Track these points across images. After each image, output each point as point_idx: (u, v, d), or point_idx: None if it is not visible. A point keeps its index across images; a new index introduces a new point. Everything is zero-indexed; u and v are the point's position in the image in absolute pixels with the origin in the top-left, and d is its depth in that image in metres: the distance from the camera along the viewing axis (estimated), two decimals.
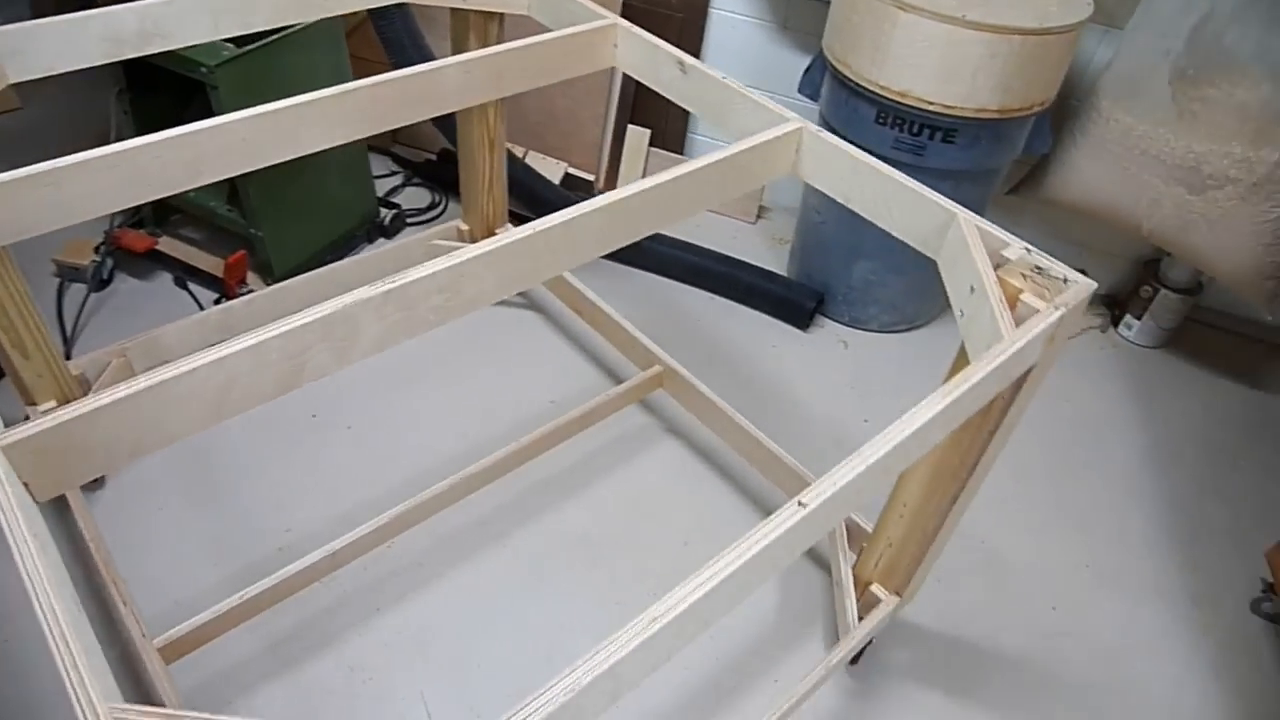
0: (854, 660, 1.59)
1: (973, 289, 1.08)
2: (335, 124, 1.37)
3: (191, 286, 2.22)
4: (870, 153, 1.97)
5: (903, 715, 1.56)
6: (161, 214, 2.32)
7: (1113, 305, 2.50)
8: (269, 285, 2.07)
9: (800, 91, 2.17)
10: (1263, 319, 2.34)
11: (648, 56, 1.58)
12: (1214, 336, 2.47)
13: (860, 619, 1.47)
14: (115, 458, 0.85)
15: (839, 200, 1.34)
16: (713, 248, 2.42)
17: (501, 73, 1.53)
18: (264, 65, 1.94)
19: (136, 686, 1.40)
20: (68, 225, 1.17)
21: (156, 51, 1.45)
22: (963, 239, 1.13)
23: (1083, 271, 2.59)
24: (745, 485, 1.92)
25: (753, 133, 1.31)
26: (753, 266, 2.38)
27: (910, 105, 1.85)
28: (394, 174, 2.69)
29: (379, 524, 1.59)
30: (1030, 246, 1.12)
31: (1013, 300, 1.06)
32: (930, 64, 1.79)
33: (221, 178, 1.29)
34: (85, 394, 1.51)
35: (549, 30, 1.59)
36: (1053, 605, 1.76)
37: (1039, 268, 1.09)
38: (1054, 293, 1.05)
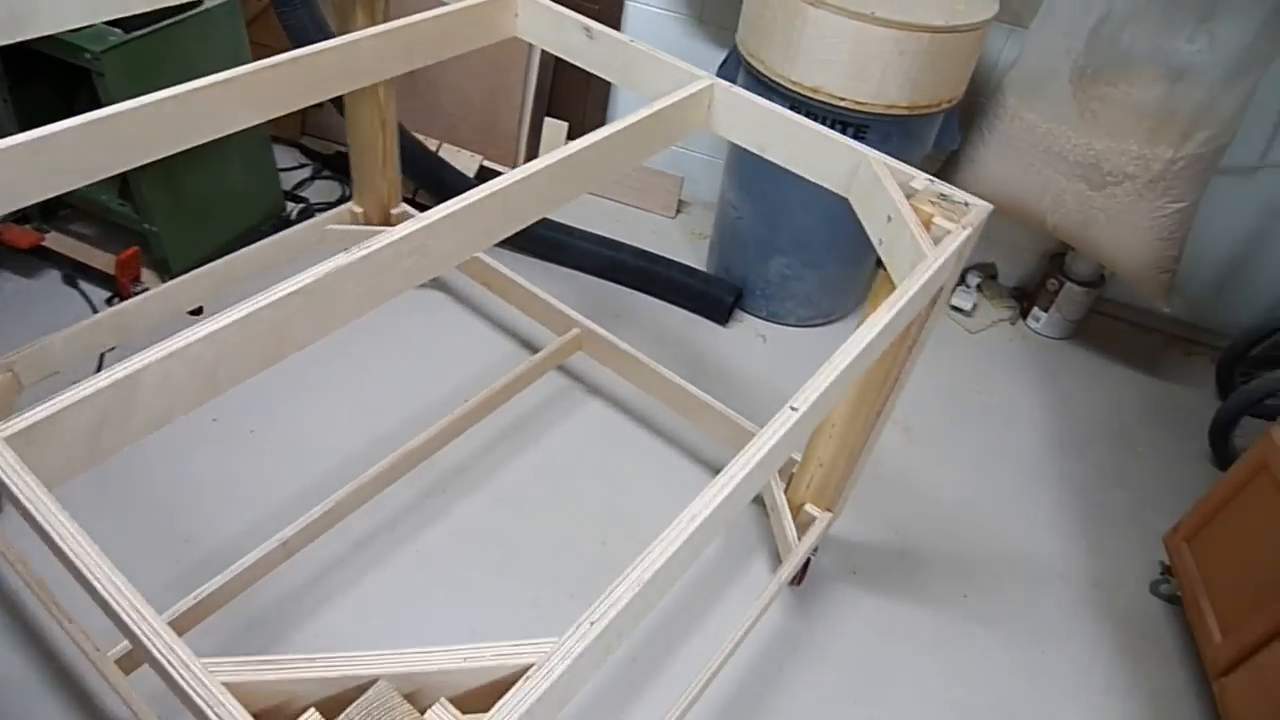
0: (797, 580, 1.72)
1: (890, 218, 1.20)
2: (226, 111, 1.31)
3: (82, 285, 2.10)
4: None
5: (845, 622, 1.70)
6: (49, 208, 2.19)
7: (1022, 298, 2.57)
8: (165, 283, 1.98)
9: None
10: (1159, 310, 2.43)
11: (552, 24, 1.57)
12: (1116, 327, 2.56)
13: (799, 537, 1.58)
14: (114, 442, 0.83)
15: (754, 150, 1.41)
16: (633, 243, 2.41)
17: (398, 48, 1.49)
18: (155, 51, 1.85)
19: (86, 703, 1.36)
20: None
21: (30, 38, 1.36)
22: (874, 175, 1.26)
23: (993, 265, 2.66)
24: (675, 438, 1.99)
25: (665, 93, 1.34)
26: (672, 262, 2.37)
27: (822, 101, 1.86)
28: (302, 166, 2.60)
29: (284, 536, 1.51)
30: (932, 178, 1.25)
31: (926, 224, 1.18)
32: (841, 60, 1.80)
33: (106, 175, 1.21)
34: None
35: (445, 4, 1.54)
36: (964, 593, 1.80)
37: (943, 195, 1.23)
38: (959, 215, 1.19)
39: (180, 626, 1.37)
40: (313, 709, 0.61)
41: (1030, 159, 2.03)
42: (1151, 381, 2.42)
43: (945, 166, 2.25)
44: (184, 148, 1.29)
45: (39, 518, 0.71)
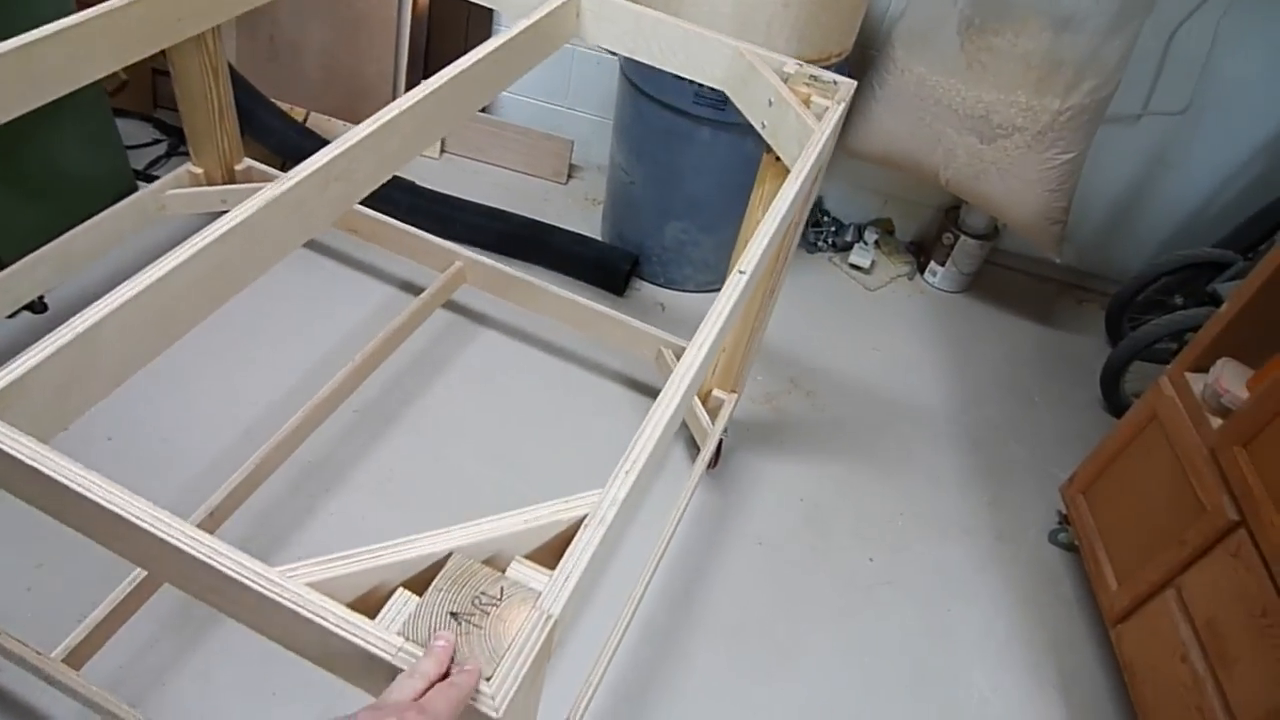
0: (713, 463, 1.84)
1: (771, 101, 1.29)
2: (50, 70, 1.21)
3: None
4: (673, 109, 1.92)
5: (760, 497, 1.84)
6: None
7: (919, 253, 2.57)
8: None
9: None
10: (1051, 260, 2.46)
11: None
12: (1011, 278, 2.58)
13: (713, 420, 1.70)
14: (82, 401, 0.81)
15: (626, 54, 1.46)
16: (524, 213, 2.29)
17: None
18: None
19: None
20: None
21: None
22: (749, 65, 1.33)
23: (889, 221, 2.63)
24: (573, 353, 2.06)
25: (533, 8, 1.36)
26: (565, 231, 2.27)
27: None
28: (157, 142, 2.38)
29: (211, 505, 1.43)
30: (800, 62, 1.33)
31: (805, 102, 1.27)
32: (724, 14, 1.72)
33: None
34: None
35: None
36: (870, 556, 1.79)
37: (814, 76, 1.32)
38: (832, 93, 1.29)
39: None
40: (401, 588, 0.65)
41: (921, 113, 1.99)
42: (1045, 331, 2.45)
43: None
44: (8, 117, 1.18)
45: (50, 471, 0.67)
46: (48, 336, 0.75)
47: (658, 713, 1.47)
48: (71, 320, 0.76)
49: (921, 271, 2.52)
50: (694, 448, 1.86)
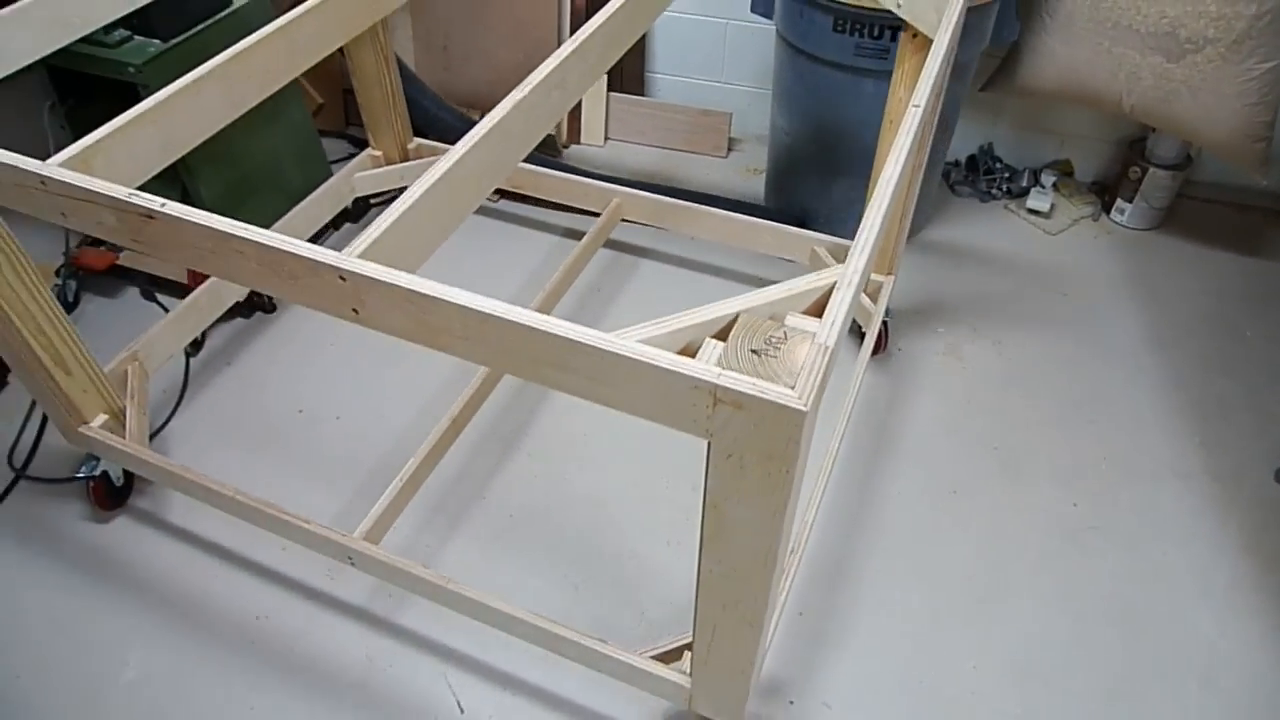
0: (878, 348, 1.98)
1: None
2: (255, 76, 1.40)
3: (160, 297, 2.16)
4: (834, 64, 1.92)
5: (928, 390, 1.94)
6: None
7: (1102, 192, 2.43)
8: None
9: (753, 10, 2.09)
10: (1256, 184, 2.27)
11: None
12: (1209, 210, 2.40)
13: (874, 303, 1.81)
14: (433, 241, 1.04)
15: None
16: (688, 188, 2.36)
17: None
18: (194, 57, 1.86)
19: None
20: None
21: (66, 44, 1.44)
22: None
23: (1068, 162, 2.53)
24: (734, 271, 2.21)
25: None
26: (728, 200, 2.32)
27: (865, 7, 1.77)
28: (351, 156, 2.60)
29: (445, 422, 1.64)
30: None
31: None
32: None
33: (158, 169, 1.25)
34: (123, 404, 1.60)
35: None
36: (1074, 502, 1.73)
37: None
38: None
39: (382, 526, 1.50)
40: (708, 338, 0.83)
41: (1098, 39, 1.90)
42: (1253, 263, 2.27)
43: (1007, 61, 2.13)
44: (225, 123, 1.36)
45: (425, 290, 0.87)
46: (400, 199, 0.99)
47: (851, 655, 1.50)
48: (403, 197, 0.99)
49: (1107, 211, 2.39)
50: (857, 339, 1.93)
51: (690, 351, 0.81)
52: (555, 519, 1.71)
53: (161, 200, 0.96)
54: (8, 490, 1.75)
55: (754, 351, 0.79)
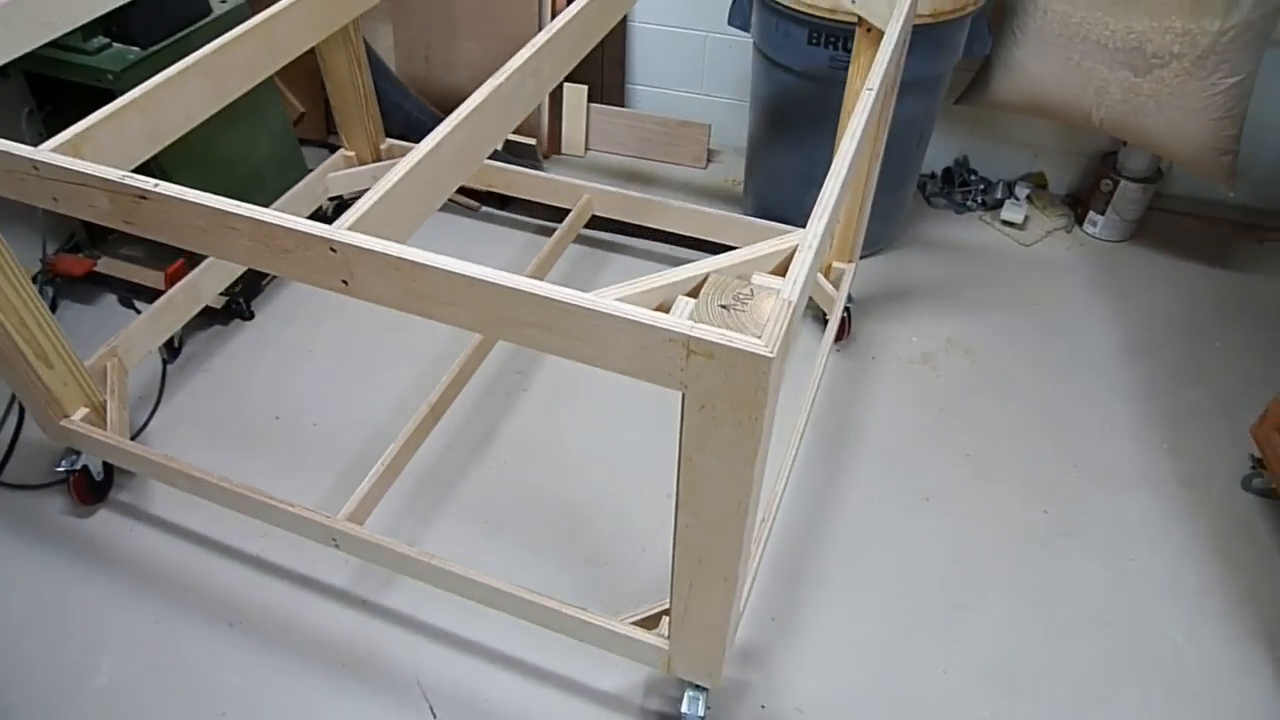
0: (840, 336, 2.04)
1: None
2: (233, 73, 1.43)
3: (137, 303, 2.15)
4: (808, 76, 1.95)
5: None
6: (97, 234, 2.25)
7: (1075, 204, 2.47)
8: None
9: (730, 23, 2.11)
10: (1225, 198, 2.31)
11: None
12: (1179, 222, 2.44)
13: (836, 289, 1.89)
14: (419, 214, 1.09)
15: None
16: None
17: None
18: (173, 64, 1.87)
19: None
20: None
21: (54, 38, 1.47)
22: None
23: (1041, 175, 2.57)
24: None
25: None
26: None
27: (839, 20, 1.80)
28: None
29: (431, 402, 1.69)
30: None
31: None
32: None
33: (144, 158, 1.28)
34: (103, 399, 1.62)
35: None
36: (1045, 509, 1.75)
37: None
38: None
39: (365, 507, 1.52)
40: (680, 296, 0.90)
41: (1068, 53, 1.93)
42: (1223, 274, 2.30)
43: (980, 75, 2.17)
44: (208, 113, 1.40)
45: (414, 258, 0.91)
46: (388, 175, 1.03)
47: (824, 660, 1.50)
48: (390, 172, 1.04)
49: (1080, 223, 2.42)
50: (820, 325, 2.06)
51: (664, 309, 0.87)
52: (536, 503, 1.74)
53: (154, 180, 0.99)
54: None
55: (723, 307, 0.85)
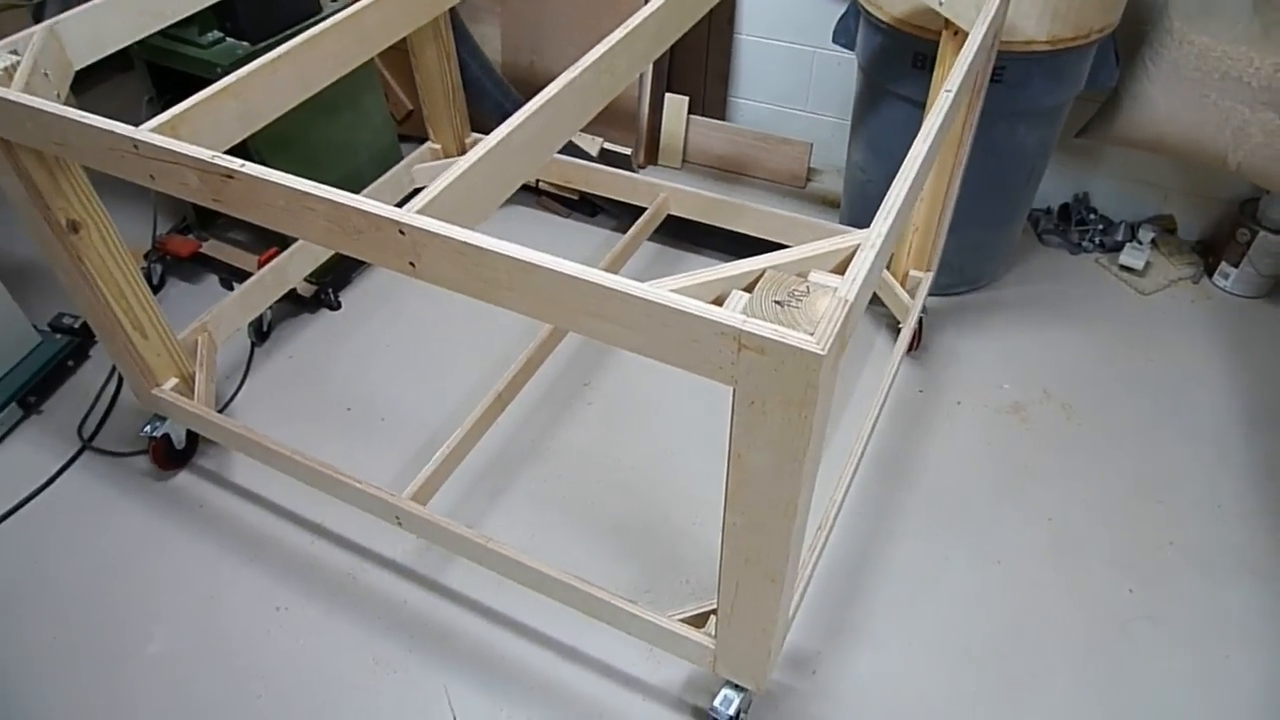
0: (913, 346, 2.01)
1: None
2: (327, 60, 1.48)
3: (236, 286, 2.24)
4: (912, 102, 1.85)
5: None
6: (206, 218, 2.36)
7: (1206, 253, 2.26)
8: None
9: (835, 41, 2.03)
10: None
11: None
12: None
13: (912, 298, 1.87)
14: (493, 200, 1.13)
15: None
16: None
17: None
18: None
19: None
20: None
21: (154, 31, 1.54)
22: None
23: (1170, 218, 2.37)
24: None
25: None
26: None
27: None
28: None
29: (497, 389, 1.71)
30: None
31: None
32: None
33: (237, 140, 1.35)
34: (193, 371, 1.76)
35: None
36: (1129, 587, 1.59)
37: None
38: None
39: (429, 489, 1.56)
40: (734, 289, 0.89)
41: (1204, 90, 1.76)
42: None
43: (1105, 108, 2.00)
44: (298, 100, 1.45)
45: (478, 242, 0.93)
46: (459, 162, 1.05)
47: None
48: (461, 160, 1.06)
49: (1210, 274, 2.21)
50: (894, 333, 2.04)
51: (719, 302, 0.87)
52: (600, 489, 1.77)
53: (240, 161, 1.05)
54: (73, 459, 1.84)
55: (777, 302, 0.84)
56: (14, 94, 1.18)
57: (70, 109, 1.17)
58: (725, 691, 1.32)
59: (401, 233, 0.96)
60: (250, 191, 1.06)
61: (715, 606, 1.22)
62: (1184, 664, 1.49)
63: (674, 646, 1.32)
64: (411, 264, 0.99)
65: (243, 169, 1.04)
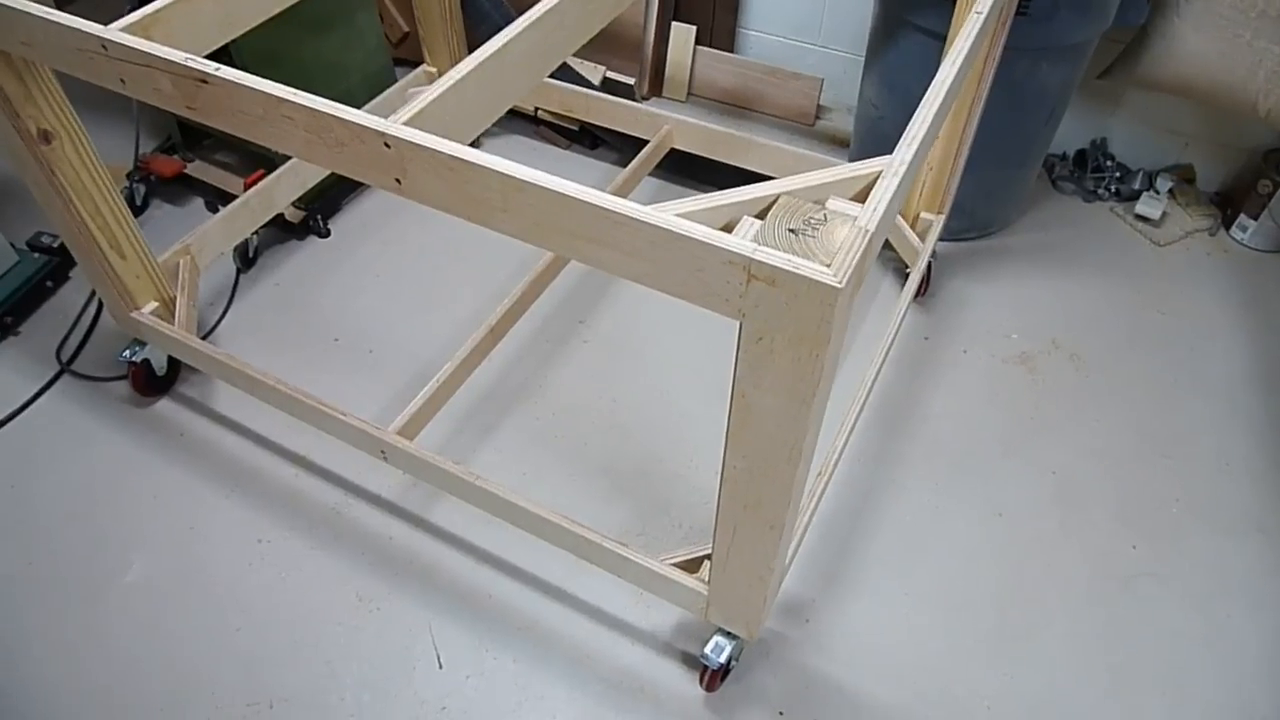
0: (921, 291, 1.95)
1: None
2: None
3: (222, 209, 2.16)
4: (934, 34, 1.76)
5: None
6: (191, 138, 2.27)
7: (1225, 204, 2.19)
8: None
9: None
10: None
11: None
12: None
13: (922, 241, 1.79)
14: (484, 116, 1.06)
15: None
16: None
17: None
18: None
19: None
20: None
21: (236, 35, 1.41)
22: None
23: (1190, 167, 2.29)
24: None
25: None
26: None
27: None
28: None
29: (490, 323, 1.65)
30: None
31: None
32: None
33: (215, 46, 1.28)
34: (173, 295, 1.69)
35: None
36: (1133, 543, 1.56)
37: None
38: None
39: (417, 423, 1.51)
40: (745, 215, 0.83)
41: (1238, 29, 1.67)
42: None
43: (1130, 47, 1.91)
44: (282, 6, 1.39)
45: (471, 159, 0.86)
46: (451, 71, 0.99)
47: (861, 678, 1.39)
48: (453, 70, 0.99)
49: (1228, 227, 2.15)
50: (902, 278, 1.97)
51: (728, 230, 0.81)
52: (594, 429, 1.72)
53: (216, 65, 0.98)
54: (51, 382, 1.79)
55: (792, 231, 0.79)
56: None
57: (35, 4, 1.08)
58: (716, 638, 1.29)
59: (387, 145, 0.89)
60: (226, 98, 0.99)
61: (709, 552, 1.18)
62: (1186, 622, 1.46)
63: (665, 591, 1.28)
64: (398, 180, 0.92)
65: (218, 73, 0.97)
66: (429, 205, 0.93)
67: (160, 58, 1.00)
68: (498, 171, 0.83)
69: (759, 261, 0.74)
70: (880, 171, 0.85)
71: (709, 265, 0.78)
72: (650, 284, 0.83)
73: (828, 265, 0.74)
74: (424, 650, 1.41)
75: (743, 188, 0.84)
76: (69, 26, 1.05)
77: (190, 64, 0.98)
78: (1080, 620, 1.46)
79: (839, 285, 0.72)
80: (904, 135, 0.90)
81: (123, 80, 1.07)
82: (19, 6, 1.08)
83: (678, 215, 0.79)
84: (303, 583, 1.49)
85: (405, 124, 0.90)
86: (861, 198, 0.83)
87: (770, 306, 0.77)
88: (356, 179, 0.97)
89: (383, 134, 0.89)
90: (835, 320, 0.75)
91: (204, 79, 0.98)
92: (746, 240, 0.77)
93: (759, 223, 0.81)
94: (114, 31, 1.06)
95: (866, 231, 0.77)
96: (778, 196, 0.83)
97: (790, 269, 0.73)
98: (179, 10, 1.19)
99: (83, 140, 1.40)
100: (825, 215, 0.80)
